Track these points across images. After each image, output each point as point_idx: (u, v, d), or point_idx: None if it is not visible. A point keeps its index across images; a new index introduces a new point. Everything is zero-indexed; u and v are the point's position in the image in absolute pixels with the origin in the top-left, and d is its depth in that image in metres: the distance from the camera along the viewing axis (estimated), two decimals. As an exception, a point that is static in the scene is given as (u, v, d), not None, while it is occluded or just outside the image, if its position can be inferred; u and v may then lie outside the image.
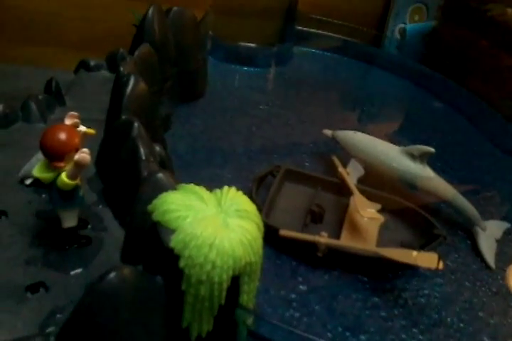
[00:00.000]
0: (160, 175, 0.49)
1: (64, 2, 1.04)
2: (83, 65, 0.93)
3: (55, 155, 0.45)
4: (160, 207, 0.42)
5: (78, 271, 0.50)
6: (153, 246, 0.43)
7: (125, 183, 0.55)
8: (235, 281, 0.41)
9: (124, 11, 1.03)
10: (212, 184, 0.64)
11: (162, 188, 0.47)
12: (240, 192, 0.44)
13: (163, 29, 0.81)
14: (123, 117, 0.59)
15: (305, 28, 1.09)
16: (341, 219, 0.65)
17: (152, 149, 0.58)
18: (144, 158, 0.53)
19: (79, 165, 0.45)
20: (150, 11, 0.78)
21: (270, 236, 0.58)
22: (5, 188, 0.58)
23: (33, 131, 0.68)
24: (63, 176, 0.45)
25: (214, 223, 0.40)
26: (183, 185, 0.44)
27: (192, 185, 0.44)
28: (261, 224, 0.43)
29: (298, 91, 0.93)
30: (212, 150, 0.75)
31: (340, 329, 0.53)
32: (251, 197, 0.60)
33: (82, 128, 0.53)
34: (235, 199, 0.43)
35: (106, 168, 0.61)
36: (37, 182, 0.59)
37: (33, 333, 0.43)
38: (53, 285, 0.48)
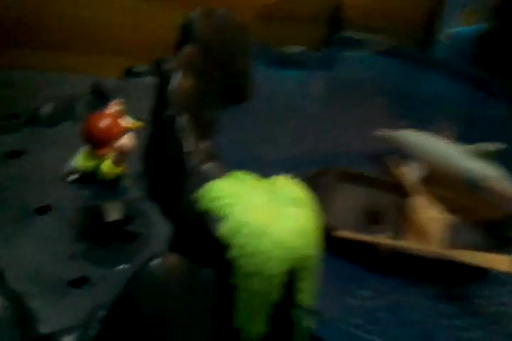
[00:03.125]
0: (207, 165, 0.46)
1: (110, 9, 1.05)
2: (128, 72, 0.93)
3: (98, 142, 0.43)
4: (207, 195, 0.39)
5: (122, 266, 0.47)
6: (200, 238, 0.40)
7: (171, 176, 0.52)
8: (291, 276, 0.37)
9: (171, 17, 1.03)
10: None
11: (209, 178, 0.44)
12: (294, 181, 0.41)
13: (208, 29, 0.79)
14: (168, 112, 0.57)
15: (352, 33, 1.06)
16: (402, 220, 0.60)
17: (199, 144, 0.56)
18: (189, 149, 0.50)
19: (122, 151, 0.43)
20: (194, 12, 0.77)
21: (328, 237, 0.54)
22: (50, 184, 0.57)
23: (79, 130, 0.67)
24: (106, 163, 0.43)
25: (267, 210, 0.37)
26: (232, 172, 0.41)
27: (241, 173, 0.41)
28: (318, 214, 0.40)
29: (346, 94, 0.89)
30: (259, 153, 0.72)
31: (409, 339, 0.48)
32: None
33: (130, 120, 0.52)
34: (289, 187, 0.40)
35: (152, 164, 0.59)
36: (81, 178, 0.57)
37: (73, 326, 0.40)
38: (97, 280, 0.46)
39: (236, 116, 0.79)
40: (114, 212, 0.48)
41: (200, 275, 0.36)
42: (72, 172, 0.58)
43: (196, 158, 0.49)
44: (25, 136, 0.65)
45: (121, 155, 0.43)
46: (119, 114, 0.46)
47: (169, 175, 0.53)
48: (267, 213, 0.37)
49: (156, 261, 0.33)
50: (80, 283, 0.45)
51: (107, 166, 0.43)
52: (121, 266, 0.47)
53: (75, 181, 0.58)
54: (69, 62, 1.01)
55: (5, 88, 0.93)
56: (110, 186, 0.46)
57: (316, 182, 0.65)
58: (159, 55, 0.88)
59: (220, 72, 0.83)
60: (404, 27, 1.04)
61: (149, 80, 0.91)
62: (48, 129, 0.66)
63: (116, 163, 0.43)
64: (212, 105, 0.79)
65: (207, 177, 0.45)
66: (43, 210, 0.53)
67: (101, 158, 0.44)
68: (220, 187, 0.39)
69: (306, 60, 0.96)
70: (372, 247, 0.54)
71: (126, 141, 0.42)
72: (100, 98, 0.77)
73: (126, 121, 0.51)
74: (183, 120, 0.55)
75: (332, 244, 0.54)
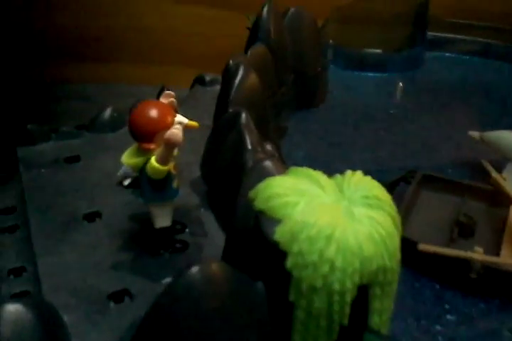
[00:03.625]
0: (267, 162, 0.39)
1: (181, 18, 1.03)
2: (199, 81, 0.89)
3: (143, 135, 0.38)
4: (264, 192, 0.32)
5: (169, 279, 0.41)
6: (254, 243, 0.33)
7: (229, 179, 0.46)
8: (363, 293, 0.30)
9: (242, 26, 0.99)
10: None
11: (269, 175, 0.38)
12: (369, 177, 0.34)
13: (279, 29, 0.74)
14: (230, 110, 0.52)
15: (438, 33, 0.97)
16: (498, 232, 0.51)
17: (261, 143, 0.50)
18: (249, 147, 0.44)
19: (169, 145, 0.37)
20: (265, 9, 0.72)
21: (407, 252, 0.46)
22: (103, 189, 0.53)
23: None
24: (153, 160, 0.38)
25: (334, 211, 0.30)
26: (294, 168, 0.34)
27: (305, 168, 0.34)
28: (397, 218, 0.32)
29: (433, 95, 0.80)
30: (333, 157, 0.64)
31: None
32: None
33: (184, 120, 0.47)
34: (362, 184, 0.32)
35: (211, 167, 0.53)
36: (135, 183, 0.53)
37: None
38: (139, 294, 0.40)
39: (307, 120, 0.73)
40: (162, 218, 0.42)
41: (251, 288, 0.29)
42: (126, 177, 0.54)
43: (258, 156, 0.43)
44: (84, 141, 0.62)
45: (169, 150, 0.38)
46: (171, 106, 0.41)
47: (228, 176, 0.47)
48: (335, 213, 0.30)
49: (194, 270, 0.27)
50: (120, 296, 0.39)
51: (152, 164, 0.38)
52: (167, 279, 0.41)
53: (129, 186, 0.54)
54: (138, 74, 1.00)
55: (75, 101, 0.92)
56: (158, 187, 0.40)
57: (396, 189, 0.57)
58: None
59: (291, 74, 0.78)
60: (498, 23, 0.94)
61: (219, 88, 0.87)
62: (106, 135, 0.62)
63: (163, 159, 0.38)
64: (281, 109, 0.73)
65: (267, 174, 0.39)
66: (92, 217, 0.49)
67: (148, 154, 0.39)
68: (279, 182, 0.32)
69: (387, 62, 0.88)
70: (460, 264, 0.45)
71: (174, 131, 0.37)
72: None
73: (179, 118, 0.46)
74: (246, 116, 0.49)
75: (413, 259, 0.46)
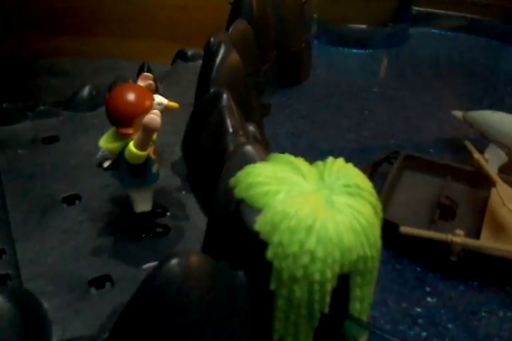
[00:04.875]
0: (248, 147, 0.39)
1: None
2: (180, 56, 0.87)
3: (121, 120, 0.37)
4: (244, 180, 0.32)
5: (151, 264, 0.41)
6: (236, 232, 0.33)
7: (211, 162, 0.46)
8: (344, 282, 0.30)
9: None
10: None
11: (251, 161, 0.37)
12: (350, 165, 0.33)
13: (262, 5, 0.72)
14: (212, 89, 0.51)
15: (423, 8, 0.95)
16: (479, 214, 0.51)
17: (243, 125, 0.49)
18: (231, 130, 0.43)
19: (147, 130, 0.36)
20: (247, -16, 0.70)
21: (388, 234, 0.46)
22: (82, 171, 0.52)
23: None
24: (131, 145, 0.37)
25: (314, 200, 0.30)
26: (275, 154, 0.34)
27: (286, 155, 0.34)
28: (378, 206, 0.32)
29: (417, 72, 0.80)
30: (317, 137, 0.64)
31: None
32: None
33: (164, 100, 0.46)
34: (343, 172, 0.32)
35: (192, 149, 0.53)
36: (115, 165, 0.52)
37: (90, 334, 0.35)
38: (120, 279, 0.40)
39: (290, 98, 0.72)
40: (142, 203, 0.42)
41: (231, 279, 0.29)
42: (105, 159, 0.53)
43: (240, 140, 0.42)
44: (63, 120, 0.60)
45: (147, 135, 0.37)
46: (150, 89, 0.40)
47: (209, 160, 0.47)
48: (315, 203, 0.29)
49: (173, 262, 0.26)
50: (101, 282, 0.39)
51: (130, 150, 0.37)
52: (148, 264, 0.41)
53: (108, 168, 0.53)
54: (119, 49, 0.97)
55: (53, 76, 0.90)
56: (137, 172, 0.39)
57: (379, 169, 0.57)
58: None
59: (274, 50, 0.76)
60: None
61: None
62: (85, 114, 0.61)
63: (141, 144, 0.37)
64: (264, 86, 0.72)
65: (248, 160, 0.38)
66: (72, 200, 0.48)
67: (127, 139, 0.38)
68: (260, 170, 0.32)
69: (371, 38, 0.87)
70: (441, 246, 0.45)
71: (152, 116, 0.36)
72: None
73: (158, 99, 0.45)
74: (228, 97, 0.48)
75: (394, 241, 0.46)
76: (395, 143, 0.62)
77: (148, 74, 0.41)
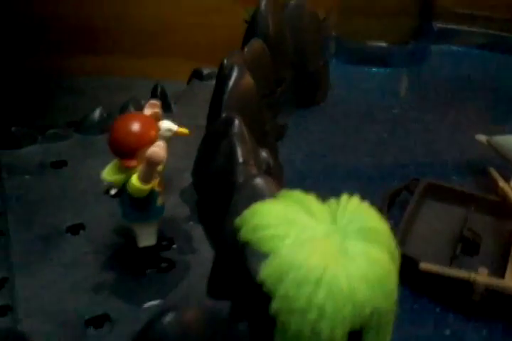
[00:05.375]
0: (258, 180, 0.37)
1: (179, 8, 0.99)
2: (196, 75, 0.86)
3: (124, 151, 0.36)
4: (250, 221, 0.29)
5: (153, 303, 0.39)
6: (240, 277, 0.30)
7: (220, 192, 0.44)
8: (356, 338, 0.27)
9: (242, 16, 0.95)
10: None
11: (260, 196, 0.35)
12: (366, 204, 0.31)
13: (278, 23, 0.70)
14: (223, 114, 0.49)
15: (446, 25, 0.92)
16: (505, 249, 0.48)
17: (256, 152, 0.47)
18: (241, 160, 0.41)
19: (151, 163, 0.35)
20: (263, 2, 0.68)
21: (407, 270, 0.43)
22: (89, 198, 0.50)
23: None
24: (134, 178, 0.35)
25: (325, 247, 0.27)
26: (286, 191, 0.32)
27: (297, 192, 0.31)
28: (396, 252, 0.29)
29: (439, 92, 0.77)
30: (334, 161, 0.61)
31: None
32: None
33: (174, 127, 0.44)
34: (358, 213, 0.29)
35: (202, 176, 0.50)
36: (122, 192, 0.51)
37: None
38: (120, 319, 0.38)
39: (308, 119, 0.70)
40: (146, 237, 0.40)
41: (232, 333, 0.27)
42: (112, 186, 0.51)
43: (250, 170, 0.40)
44: (73, 144, 0.59)
45: (151, 168, 0.35)
46: (155, 117, 0.38)
47: (218, 190, 0.44)
48: (326, 250, 0.27)
49: (168, 318, 0.24)
50: (99, 321, 0.37)
51: (132, 183, 0.35)
52: (150, 303, 0.39)
53: (115, 195, 0.51)
54: (135, 67, 0.97)
55: (68, 95, 0.89)
56: (141, 206, 0.37)
57: (398, 199, 0.54)
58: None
59: (291, 70, 0.74)
60: (510, 14, 0.90)
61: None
62: (96, 137, 0.60)
63: (145, 177, 0.35)
64: (280, 108, 0.70)
65: (257, 194, 0.36)
66: (75, 229, 0.46)
67: (129, 171, 0.36)
68: (268, 210, 0.29)
69: (391, 56, 0.84)
70: (463, 285, 0.42)
71: (155, 149, 0.34)
72: (161, 101, 0.70)
73: (167, 125, 0.43)
74: (239, 124, 0.46)
75: (412, 278, 0.44)
76: (416, 169, 0.59)
77: (155, 101, 0.39)
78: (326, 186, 0.57)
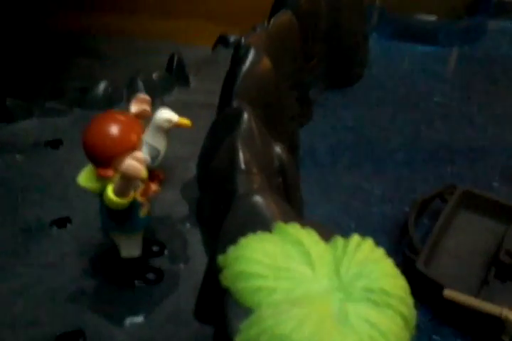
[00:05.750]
0: (257, 198, 0.31)
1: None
2: (222, 41, 0.79)
3: (98, 159, 0.30)
4: (234, 265, 0.24)
5: (135, 321, 0.35)
6: (221, 321, 0.25)
7: (219, 197, 0.38)
8: None
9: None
10: (353, 202, 0.47)
11: (257, 216, 0.30)
12: (380, 252, 0.25)
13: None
14: (234, 104, 0.43)
15: (508, -3, 0.81)
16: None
17: (266, 151, 0.41)
18: (243, 166, 0.35)
19: (126, 178, 0.29)
20: (296, -33, 0.60)
21: (429, 294, 0.38)
22: (79, 188, 0.45)
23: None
24: (109, 191, 0.30)
25: (321, 310, 0.22)
26: (283, 225, 0.26)
27: (295, 228, 0.25)
28: (412, 316, 0.24)
29: (491, 78, 0.68)
30: (362, 154, 0.55)
31: None
32: (404, 231, 0.41)
33: (174, 117, 0.38)
34: (368, 267, 0.23)
35: (205, 172, 0.45)
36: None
37: None
38: (94, 338, 0.33)
39: (337, 103, 0.63)
40: (128, 249, 0.35)
41: None
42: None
43: (251, 182, 0.34)
44: (72, 121, 0.54)
45: (127, 183, 0.29)
46: (143, 116, 0.33)
47: (217, 194, 0.39)
48: (322, 316, 0.21)
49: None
50: (72, 339, 0.33)
51: (107, 196, 0.30)
52: (131, 320, 0.34)
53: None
54: (157, 28, 0.90)
55: (87, 57, 0.83)
56: (120, 218, 0.32)
57: (430, 207, 0.48)
58: (258, 21, 0.73)
59: (324, 45, 0.66)
60: None
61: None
62: (97, 113, 0.54)
63: (120, 192, 0.30)
64: (308, 88, 0.63)
65: (254, 214, 0.31)
66: (60, 224, 0.41)
67: (106, 180, 0.31)
68: (256, 253, 0.24)
69: (440, 32, 0.75)
70: (492, 320, 0.36)
71: (131, 163, 0.28)
72: (177, 74, 0.64)
73: (167, 115, 0.38)
74: (248, 119, 0.40)
75: (434, 303, 0.38)
76: (453, 171, 0.52)
77: (143, 96, 0.33)
78: (349, 184, 0.51)
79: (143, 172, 0.28)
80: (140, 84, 0.57)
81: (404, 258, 0.42)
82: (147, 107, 0.33)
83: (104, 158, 0.30)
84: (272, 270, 0.23)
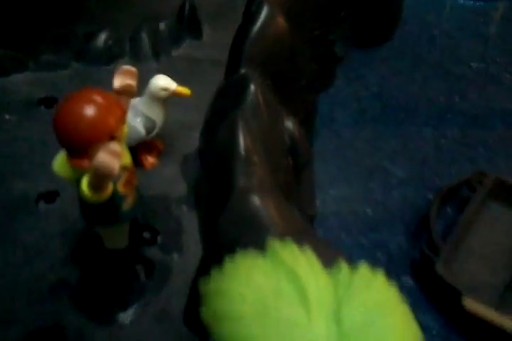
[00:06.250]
0: (255, 199, 0.27)
1: None
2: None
3: (71, 147, 0.26)
4: (216, 300, 0.20)
5: (121, 319, 0.32)
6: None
7: (216, 183, 0.34)
8: None
9: None
10: (371, 184, 0.44)
11: (252, 222, 0.26)
12: (391, 291, 0.20)
13: None
14: (242, 70, 0.37)
15: None
16: None
17: (276, 129, 0.36)
18: (243, 154, 0.30)
19: (99, 175, 0.25)
20: None
21: (447, 299, 0.34)
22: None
23: (140, 72, 0.50)
24: (83, 183, 0.26)
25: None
26: (277, 248, 0.21)
27: (292, 251, 0.21)
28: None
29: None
30: (386, 128, 0.50)
31: None
32: (425, 222, 0.36)
33: (172, 85, 0.34)
34: (374, 314, 0.19)
35: (207, 145, 0.40)
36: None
37: None
38: (74, 335, 0.31)
39: (363, 65, 0.56)
40: (113, 240, 0.31)
41: None
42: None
43: (250, 172, 0.30)
44: (68, 76, 0.49)
45: (100, 179, 0.25)
46: (127, 92, 0.28)
47: (214, 179, 0.34)
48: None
49: None
50: (51, 336, 0.30)
51: (82, 190, 0.26)
52: (117, 318, 0.31)
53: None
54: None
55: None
56: (100, 211, 0.28)
57: (456, 196, 0.43)
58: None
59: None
60: None
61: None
62: (97, 69, 0.49)
63: (95, 186, 0.25)
64: (332, 47, 0.56)
65: (250, 217, 0.27)
66: (47, 198, 0.38)
67: (81, 170, 0.26)
68: (241, 288, 0.20)
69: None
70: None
71: (104, 159, 0.24)
72: (188, 24, 0.57)
73: (163, 83, 0.33)
74: (254, 91, 0.35)
75: (456, 312, 0.35)
76: (486, 153, 0.47)
77: (129, 68, 0.28)
78: (369, 164, 0.46)
79: (116, 169, 0.24)
80: (144, 37, 0.51)
81: (422, 257, 0.38)
82: (132, 81, 0.28)
83: (78, 147, 0.25)
84: (258, 312, 0.19)
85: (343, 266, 0.21)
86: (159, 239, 0.36)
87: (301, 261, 0.21)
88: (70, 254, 0.35)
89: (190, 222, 0.37)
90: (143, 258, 0.34)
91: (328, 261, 0.21)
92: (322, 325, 0.19)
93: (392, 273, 0.20)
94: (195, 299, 0.31)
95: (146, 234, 0.36)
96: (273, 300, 0.19)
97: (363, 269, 0.21)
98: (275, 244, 0.21)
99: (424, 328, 0.20)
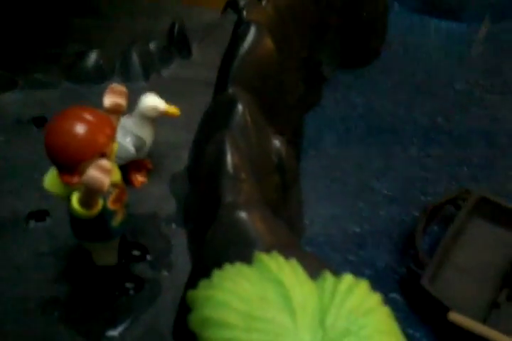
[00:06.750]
0: (242, 214, 0.27)
1: None
2: (231, 5, 0.73)
3: (61, 164, 0.26)
4: (204, 307, 0.20)
5: (110, 334, 0.31)
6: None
7: (205, 199, 0.34)
8: None
9: None
10: (359, 203, 0.45)
11: (240, 237, 0.26)
12: (375, 299, 0.21)
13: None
14: (229, 90, 0.38)
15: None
16: None
17: (263, 148, 0.37)
18: (231, 172, 0.31)
19: (89, 190, 0.25)
20: None
21: (434, 313, 0.35)
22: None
23: (130, 91, 0.51)
24: (73, 200, 0.26)
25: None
26: (263, 258, 0.22)
27: (278, 261, 0.22)
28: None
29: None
30: (371, 148, 0.50)
31: None
32: (412, 239, 0.37)
33: (161, 105, 0.34)
34: (358, 320, 0.20)
35: (196, 164, 0.41)
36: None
37: None
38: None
39: (349, 85, 0.58)
40: (103, 257, 0.31)
41: None
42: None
43: (237, 191, 0.30)
44: (58, 95, 0.50)
45: (90, 195, 0.25)
46: (116, 111, 0.28)
47: (202, 196, 0.35)
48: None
49: None
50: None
51: (72, 206, 0.26)
52: (109, 334, 0.31)
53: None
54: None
55: (88, 17, 0.77)
56: (90, 227, 0.29)
57: (441, 213, 0.44)
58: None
59: (339, 19, 0.61)
60: None
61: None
62: (87, 88, 0.50)
63: (85, 202, 0.26)
64: (318, 65, 0.58)
65: (237, 234, 0.27)
66: (38, 217, 0.38)
67: (71, 187, 0.27)
68: (228, 295, 0.20)
69: (469, 6, 0.68)
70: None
71: (94, 175, 0.24)
72: (178, 44, 0.59)
73: (153, 103, 0.34)
74: (242, 112, 0.35)
75: (442, 326, 0.35)
76: (469, 171, 0.48)
77: (119, 87, 0.29)
78: (356, 182, 0.47)
79: (106, 184, 0.24)
80: (134, 56, 0.52)
81: (408, 272, 0.38)
82: (121, 101, 0.28)
83: (69, 163, 0.26)
84: (245, 318, 0.19)
85: (328, 276, 0.21)
86: (148, 256, 0.36)
87: (286, 270, 0.21)
88: (60, 272, 0.35)
89: (179, 240, 0.37)
90: (132, 275, 0.34)
91: (313, 271, 0.22)
92: (307, 332, 0.19)
93: (380, 289, 0.21)
94: (184, 314, 0.31)
95: (136, 252, 0.36)
96: (259, 307, 0.20)
97: (347, 278, 0.21)
98: (262, 256, 0.22)
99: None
